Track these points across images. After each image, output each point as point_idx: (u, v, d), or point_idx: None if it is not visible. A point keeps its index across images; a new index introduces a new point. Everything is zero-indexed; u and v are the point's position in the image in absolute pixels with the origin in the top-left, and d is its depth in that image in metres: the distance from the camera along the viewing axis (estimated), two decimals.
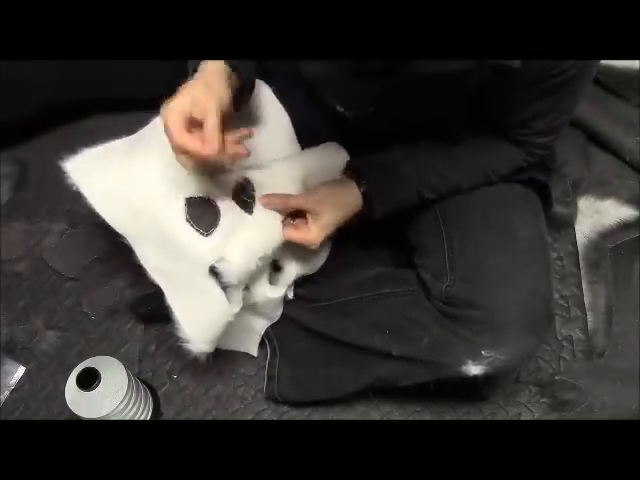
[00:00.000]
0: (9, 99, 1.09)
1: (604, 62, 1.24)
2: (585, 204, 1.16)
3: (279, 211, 0.80)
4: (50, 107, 1.15)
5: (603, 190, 1.17)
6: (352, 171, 0.83)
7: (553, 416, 0.96)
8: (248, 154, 0.71)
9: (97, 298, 1.06)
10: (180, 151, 0.67)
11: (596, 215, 1.14)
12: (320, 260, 0.92)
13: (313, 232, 0.79)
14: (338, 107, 0.83)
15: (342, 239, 0.95)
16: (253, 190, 0.81)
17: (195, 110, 0.66)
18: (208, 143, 0.65)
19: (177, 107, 0.66)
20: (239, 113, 0.79)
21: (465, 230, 0.83)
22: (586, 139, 1.21)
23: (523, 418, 0.97)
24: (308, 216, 0.79)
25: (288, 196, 0.80)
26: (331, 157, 0.87)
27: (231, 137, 0.70)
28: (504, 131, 0.80)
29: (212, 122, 0.66)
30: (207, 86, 0.69)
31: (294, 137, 0.90)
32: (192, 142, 0.65)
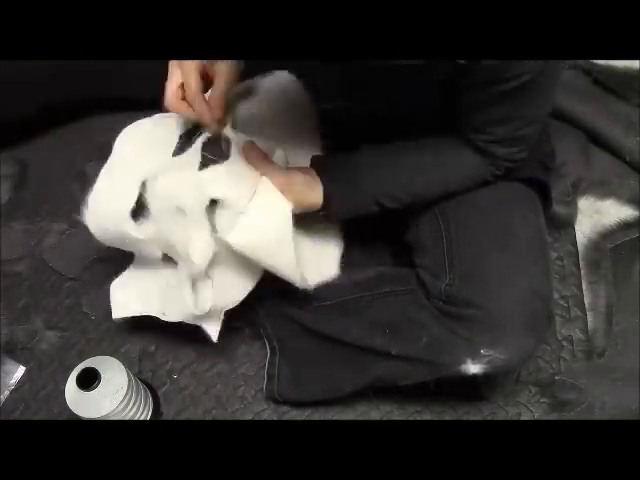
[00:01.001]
0: (9, 99, 1.09)
1: (604, 62, 1.25)
2: (585, 204, 1.15)
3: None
4: (50, 107, 1.15)
5: (603, 190, 1.17)
6: (317, 169, 0.81)
7: (553, 416, 0.96)
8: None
9: (97, 298, 1.06)
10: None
11: (596, 215, 1.14)
12: (239, 293, 0.86)
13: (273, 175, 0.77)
14: (313, 97, 0.83)
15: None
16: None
17: (210, 69, 0.73)
18: (210, 110, 0.73)
19: (181, 71, 0.73)
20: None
21: (464, 229, 0.82)
22: (586, 139, 1.21)
23: (523, 418, 0.97)
24: None
25: (266, 158, 0.78)
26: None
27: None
28: (465, 135, 0.78)
29: (219, 92, 0.73)
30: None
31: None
32: (184, 108, 0.73)
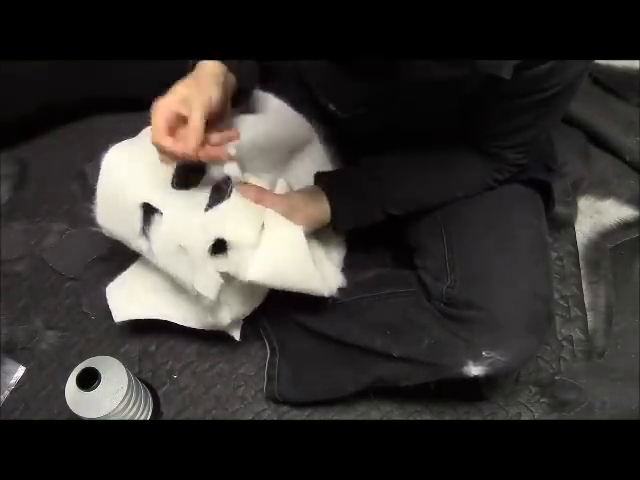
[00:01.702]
0: (9, 99, 1.09)
1: (604, 62, 1.25)
2: (585, 204, 1.16)
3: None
4: (50, 107, 1.15)
5: (603, 190, 1.17)
6: (322, 185, 0.83)
7: (553, 416, 0.96)
8: (227, 157, 0.73)
9: (97, 298, 1.06)
10: (160, 149, 0.69)
11: (596, 215, 1.14)
12: (257, 301, 0.88)
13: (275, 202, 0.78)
14: (331, 106, 0.83)
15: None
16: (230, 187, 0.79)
17: (183, 108, 0.68)
18: (186, 142, 0.67)
19: (162, 106, 0.69)
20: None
21: (465, 230, 0.83)
22: (586, 139, 1.21)
23: (523, 418, 0.97)
24: None
25: (264, 192, 0.79)
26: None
27: (217, 138, 0.71)
28: (480, 142, 0.79)
29: (194, 122, 0.68)
30: (198, 85, 0.70)
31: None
32: (168, 141, 0.68)
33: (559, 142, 0.97)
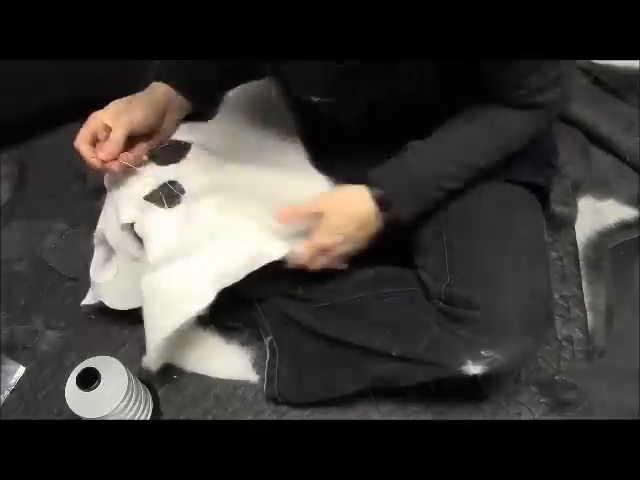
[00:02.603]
0: (9, 99, 1.09)
1: (604, 62, 1.25)
2: (585, 204, 1.15)
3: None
4: (50, 107, 1.15)
5: (603, 190, 1.17)
6: (365, 182, 0.81)
7: (553, 416, 0.96)
8: (117, 170, 0.81)
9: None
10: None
11: (596, 215, 1.14)
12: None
13: (323, 234, 0.79)
14: (312, 97, 0.83)
15: None
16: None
17: (110, 122, 0.80)
18: (98, 155, 0.79)
19: (92, 117, 0.81)
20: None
21: (465, 230, 0.82)
22: (586, 139, 1.21)
23: (523, 418, 0.96)
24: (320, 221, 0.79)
25: (296, 208, 0.80)
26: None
27: (136, 152, 0.83)
28: (504, 99, 0.76)
29: (111, 139, 0.79)
30: (129, 104, 0.82)
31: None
32: (83, 147, 0.80)
33: (559, 142, 0.97)
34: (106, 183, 0.89)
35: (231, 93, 0.92)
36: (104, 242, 0.90)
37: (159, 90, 0.85)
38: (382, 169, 0.81)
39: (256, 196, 0.85)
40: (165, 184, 0.83)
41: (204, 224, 0.81)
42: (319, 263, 0.83)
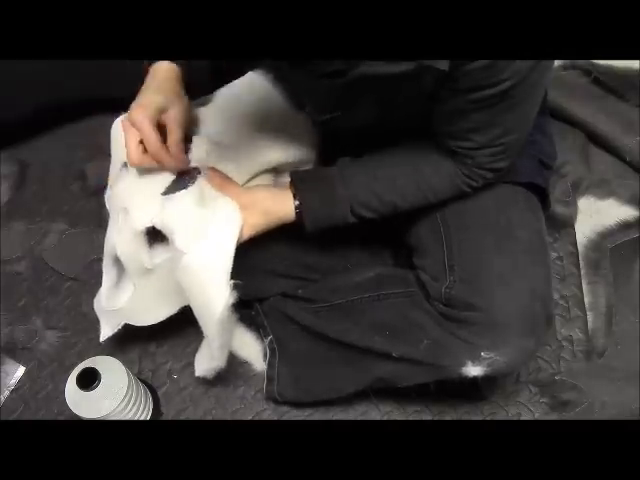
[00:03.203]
0: (9, 99, 1.09)
1: (604, 62, 1.25)
2: (585, 204, 1.16)
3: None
4: (50, 107, 1.15)
5: (603, 190, 1.17)
6: (291, 184, 0.82)
7: (553, 416, 0.96)
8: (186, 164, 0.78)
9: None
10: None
11: (596, 215, 1.14)
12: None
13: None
14: (307, 109, 0.84)
15: (341, 239, 0.96)
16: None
17: (160, 118, 0.74)
18: (173, 159, 0.75)
19: (138, 122, 0.73)
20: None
21: (464, 231, 0.82)
22: (586, 139, 1.21)
23: (523, 418, 0.97)
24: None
25: (227, 181, 0.80)
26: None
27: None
28: (443, 142, 0.76)
29: (175, 136, 0.75)
30: (167, 92, 0.77)
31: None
32: (146, 160, 0.75)
33: (559, 142, 0.97)
34: (112, 201, 0.85)
35: (222, 90, 0.90)
36: (113, 264, 0.88)
37: (171, 71, 0.79)
38: (307, 179, 0.82)
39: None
40: (182, 174, 0.81)
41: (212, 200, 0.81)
42: None
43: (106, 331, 0.95)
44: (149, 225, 0.79)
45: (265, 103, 0.87)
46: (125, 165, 0.82)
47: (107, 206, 0.87)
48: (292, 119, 0.88)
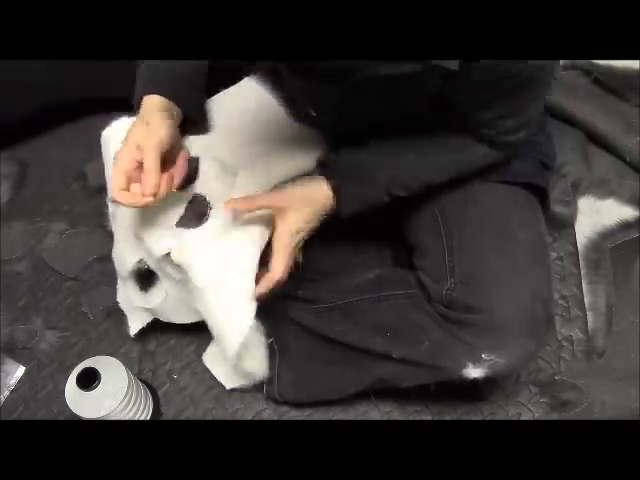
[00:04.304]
0: (9, 99, 1.09)
1: (604, 62, 1.25)
2: (585, 204, 1.15)
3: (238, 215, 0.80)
4: (50, 107, 1.15)
5: (603, 190, 1.17)
6: (322, 168, 0.82)
7: (553, 416, 0.96)
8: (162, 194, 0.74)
9: (97, 298, 1.06)
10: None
11: (596, 215, 1.14)
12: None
13: (281, 235, 0.78)
14: (311, 111, 0.84)
15: (342, 239, 0.96)
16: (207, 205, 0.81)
17: (139, 156, 0.72)
18: (144, 193, 0.71)
19: (119, 161, 0.72)
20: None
21: (465, 233, 0.82)
22: (586, 139, 1.21)
23: (523, 418, 0.97)
24: (275, 220, 0.79)
25: (253, 197, 0.79)
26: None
27: (167, 175, 0.75)
28: (476, 133, 0.78)
29: (147, 166, 0.71)
30: (148, 127, 0.74)
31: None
32: (121, 197, 0.72)
33: (559, 142, 0.97)
34: (118, 219, 0.86)
35: (215, 99, 0.90)
36: (133, 273, 0.89)
37: (155, 102, 0.78)
38: (338, 162, 0.81)
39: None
40: (191, 203, 0.81)
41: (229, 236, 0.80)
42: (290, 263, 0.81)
43: (136, 325, 0.97)
44: (165, 253, 0.79)
45: (265, 114, 0.87)
46: None
47: (111, 221, 0.89)
48: (293, 129, 0.88)
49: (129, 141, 0.73)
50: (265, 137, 0.87)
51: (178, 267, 0.81)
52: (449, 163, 0.81)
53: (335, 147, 0.86)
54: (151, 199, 0.72)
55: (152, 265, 0.85)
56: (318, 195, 0.80)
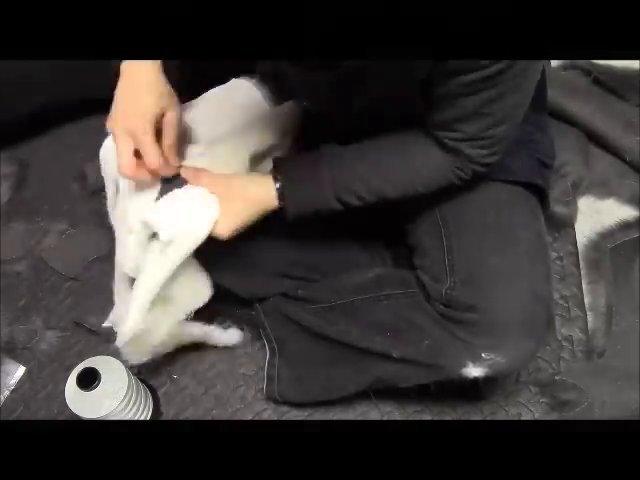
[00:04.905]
0: (9, 99, 1.09)
1: (604, 62, 1.25)
2: (585, 204, 1.15)
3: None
4: (50, 107, 1.15)
5: (603, 190, 1.17)
6: (274, 168, 0.80)
7: (553, 416, 0.96)
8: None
9: (97, 298, 1.06)
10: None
11: (596, 215, 1.14)
12: (206, 292, 0.89)
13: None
14: (305, 103, 0.83)
15: (341, 239, 0.96)
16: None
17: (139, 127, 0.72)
18: (168, 168, 0.75)
19: (119, 138, 0.73)
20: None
21: (464, 233, 0.82)
22: (586, 139, 1.21)
23: (523, 418, 0.97)
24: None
25: (201, 172, 0.78)
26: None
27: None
28: (433, 133, 0.74)
29: (170, 143, 0.74)
30: (165, 93, 0.75)
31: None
32: (141, 173, 0.74)
33: (559, 142, 0.97)
34: (117, 223, 0.87)
35: (209, 93, 0.89)
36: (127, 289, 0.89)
37: (147, 68, 0.75)
38: (291, 163, 0.80)
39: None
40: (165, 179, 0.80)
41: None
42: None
43: (120, 339, 0.93)
44: (140, 224, 0.79)
45: (246, 100, 0.87)
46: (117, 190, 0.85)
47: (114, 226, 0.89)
48: (266, 110, 0.88)
49: (142, 110, 0.73)
50: (238, 114, 0.87)
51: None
52: (400, 172, 0.77)
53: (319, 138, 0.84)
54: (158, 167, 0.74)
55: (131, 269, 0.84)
56: (261, 194, 0.78)
